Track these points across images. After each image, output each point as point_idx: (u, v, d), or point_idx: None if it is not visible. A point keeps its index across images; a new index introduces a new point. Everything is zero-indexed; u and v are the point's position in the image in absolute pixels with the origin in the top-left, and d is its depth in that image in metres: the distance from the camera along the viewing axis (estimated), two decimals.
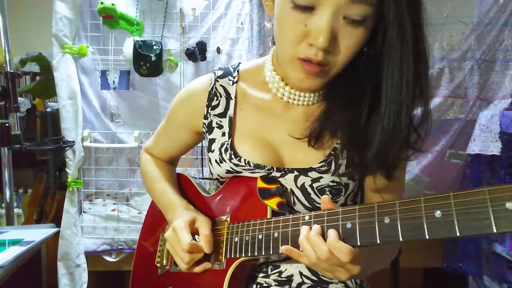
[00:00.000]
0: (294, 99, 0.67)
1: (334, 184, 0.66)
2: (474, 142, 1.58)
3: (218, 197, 0.74)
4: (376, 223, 0.48)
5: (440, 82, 1.65)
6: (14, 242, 0.92)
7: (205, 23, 1.68)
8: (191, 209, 0.73)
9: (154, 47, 1.62)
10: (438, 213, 0.43)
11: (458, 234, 0.41)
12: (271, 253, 0.59)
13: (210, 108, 0.73)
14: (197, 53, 1.64)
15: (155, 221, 0.87)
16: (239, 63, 0.77)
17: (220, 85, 0.74)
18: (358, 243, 0.49)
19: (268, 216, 0.63)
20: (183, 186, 0.86)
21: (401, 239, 0.46)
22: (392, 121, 0.56)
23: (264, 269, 0.71)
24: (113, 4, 1.57)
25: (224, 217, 0.70)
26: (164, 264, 0.78)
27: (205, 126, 0.75)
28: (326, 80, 0.60)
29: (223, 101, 0.73)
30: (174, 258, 0.68)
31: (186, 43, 1.67)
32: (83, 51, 1.64)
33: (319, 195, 0.66)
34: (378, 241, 0.47)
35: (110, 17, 1.60)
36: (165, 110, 1.74)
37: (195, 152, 1.71)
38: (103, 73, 1.70)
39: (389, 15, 0.53)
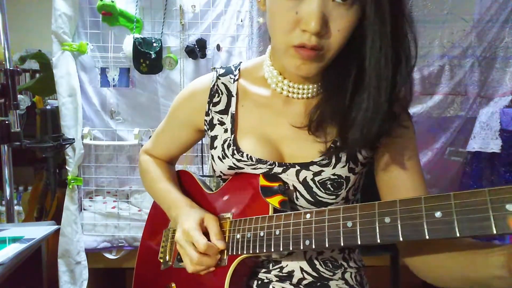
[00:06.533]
0: (293, 93, 0.69)
1: (335, 177, 0.66)
2: (474, 140, 1.58)
3: (221, 194, 0.75)
4: (377, 223, 0.48)
5: (440, 80, 1.65)
6: (15, 240, 0.92)
7: (205, 20, 1.68)
8: (195, 207, 0.73)
9: (154, 44, 1.62)
10: (438, 214, 0.43)
11: (458, 235, 0.41)
12: (272, 250, 0.59)
13: (211, 105, 0.75)
14: (197, 50, 1.64)
15: (158, 218, 0.87)
16: (240, 62, 0.78)
17: (222, 82, 0.75)
18: (359, 243, 0.49)
19: (270, 214, 0.63)
20: (185, 182, 0.86)
21: (401, 239, 0.46)
22: (372, 97, 0.58)
23: (266, 265, 0.72)
24: (112, 1, 1.57)
25: (226, 214, 0.70)
26: (167, 259, 0.79)
27: (206, 123, 0.76)
28: (323, 64, 0.60)
29: (224, 98, 0.74)
30: (184, 259, 0.67)
31: (186, 40, 1.67)
32: (83, 48, 1.64)
33: (321, 189, 0.67)
34: (379, 241, 0.47)
35: (110, 14, 1.59)
36: (165, 108, 1.74)
37: (195, 149, 1.71)
38: (103, 71, 1.69)
39: None
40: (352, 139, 0.62)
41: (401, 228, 0.46)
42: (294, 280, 0.70)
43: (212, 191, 0.79)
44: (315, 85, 0.68)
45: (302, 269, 0.70)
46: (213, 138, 0.74)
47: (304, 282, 0.70)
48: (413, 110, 1.64)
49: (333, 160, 0.66)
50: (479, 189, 0.41)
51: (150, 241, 0.87)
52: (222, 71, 0.77)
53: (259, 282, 0.71)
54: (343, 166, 0.66)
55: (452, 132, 1.65)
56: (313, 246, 0.54)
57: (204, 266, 0.64)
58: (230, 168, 0.71)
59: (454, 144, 1.67)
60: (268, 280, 0.71)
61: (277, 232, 0.59)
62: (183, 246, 0.66)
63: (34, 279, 1.05)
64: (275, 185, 0.66)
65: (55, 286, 1.66)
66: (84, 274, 1.70)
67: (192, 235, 0.64)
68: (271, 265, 0.71)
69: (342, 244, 0.51)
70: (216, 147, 0.73)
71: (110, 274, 1.87)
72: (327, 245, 0.53)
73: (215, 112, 0.74)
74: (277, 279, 0.70)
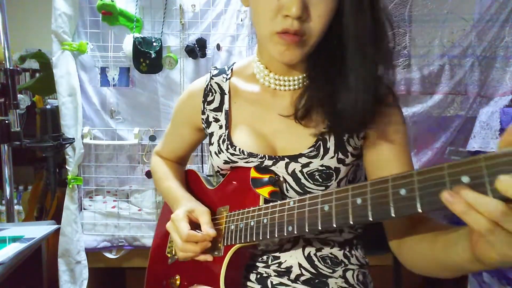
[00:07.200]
0: (280, 85, 0.72)
1: (324, 168, 0.68)
2: (474, 139, 1.57)
3: (220, 189, 0.79)
4: (350, 205, 0.50)
5: (440, 79, 1.65)
6: (15, 239, 0.92)
7: (205, 19, 1.68)
8: (192, 201, 0.77)
9: (154, 44, 1.62)
10: (403, 191, 0.44)
11: (420, 210, 0.42)
12: (260, 238, 0.62)
13: (206, 104, 0.80)
14: (197, 50, 1.64)
15: (167, 216, 0.93)
16: (234, 62, 0.83)
17: (215, 82, 0.80)
18: (334, 225, 0.52)
19: (260, 204, 0.66)
20: (191, 181, 0.91)
21: (370, 219, 0.47)
22: (360, 76, 0.61)
23: (265, 259, 0.73)
24: (112, 1, 1.57)
25: (223, 207, 0.74)
26: (174, 254, 0.81)
27: (203, 122, 0.80)
28: (306, 51, 0.63)
29: (217, 96, 0.79)
30: (174, 246, 0.71)
31: (186, 39, 1.67)
32: (83, 48, 1.64)
33: (309, 180, 0.69)
34: (351, 222, 0.50)
35: (110, 14, 1.59)
36: (165, 107, 1.74)
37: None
38: (103, 70, 1.69)
39: None
40: (342, 122, 0.64)
41: (371, 208, 0.47)
42: (292, 276, 0.71)
43: (214, 186, 0.83)
44: (300, 76, 0.71)
45: (300, 265, 0.71)
46: (211, 135, 0.79)
47: (302, 278, 0.71)
48: (413, 109, 1.64)
49: (321, 152, 0.68)
50: (440, 164, 0.41)
51: (160, 237, 0.91)
52: (215, 72, 0.82)
53: (258, 276, 0.72)
54: (332, 157, 0.68)
55: (452, 131, 1.65)
56: (295, 232, 0.57)
57: (190, 252, 0.68)
58: (226, 162, 0.75)
59: (454, 144, 1.67)
60: (266, 275, 0.72)
61: (265, 221, 0.62)
62: (171, 233, 0.71)
63: (34, 278, 1.06)
64: (266, 176, 0.70)
65: (55, 286, 1.66)
66: (84, 273, 1.70)
67: (177, 225, 0.69)
68: (270, 260, 0.72)
69: (320, 227, 0.53)
70: (213, 143, 0.78)
71: (110, 273, 1.88)
72: (306, 230, 0.55)
73: (210, 110, 0.79)
74: (276, 274, 0.71)
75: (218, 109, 0.78)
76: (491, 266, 0.43)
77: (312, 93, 0.67)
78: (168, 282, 0.80)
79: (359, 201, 0.49)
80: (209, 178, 0.88)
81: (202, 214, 0.71)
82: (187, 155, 0.94)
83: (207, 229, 0.67)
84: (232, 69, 0.81)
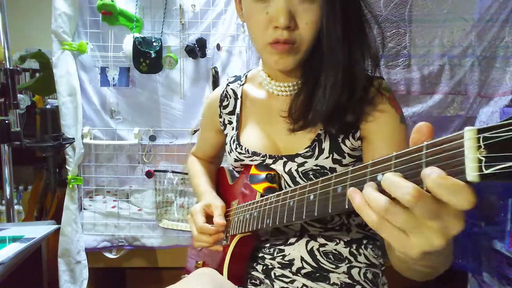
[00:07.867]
0: (281, 91, 0.77)
1: (318, 168, 0.72)
2: None
3: (235, 185, 0.88)
4: (305, 200, 0.53)
5: (440, 79, 1.64)
6: (15, 239, 0.92)
7: (205, 19, 1.68)
8: (212, 196, 0.86)
9: (154, 43, 1.62)
10: (339, 189, 0.45)
11: (346, 206, 0.43)
12: (250, 229, 0.69)
13: (222, 108, 0.88)
14: (197, 49, 1.64)
15: None
16: (250, 70, 0.91)
17: (231, 88, 0.88)
18: (293, 219, 0.56)
19: (256, 199, 0.72)
20: (220, 177, 1.00)
21: (315, 214, 0.50)
22: (327, 77, 0.65)
23: (271, 252, 0.77)
24: (112, 1, 1.57)
25: (235, 201, 0.82)
26: None
27: (221, 124, 0.89)
28: (299, 57, 0.68)
29: (232, 101, 0.87)
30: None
31: (186, 39, 1.67)
32: (83, 48, 1.64)
33: (304, 179, 0.73)
34: (304, 217, 0.53)
35: (110, 14, 1.59)
36: (164, 107, 1.74)
37: None
38: (103, 70, 1.69)
39: None
40: (315, 114, 0.67)
41: (318, 204, 0.49)
42: (294, 269, 0.74)
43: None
44: (297, 81, 0.74)
45: (302, 259, 0.74)
46: (226, 136, 0.88)
47: (303, 271, 0.73)
48: (413, 109, 1.64)
49: (316, 152, 0.71)
50: (368, 161, 0.41)
51: None
52: (232, 79, 0.90)
53: (264, 267, 0.77)
54: (326, 158, 0.71)
55: (452, 131, 1.64)
56: (270, 224, 0.62)
57: (203, 242, 0.76)
58: (235, 160, 0.82)
59: None
60: (271, 266, 0.76)
61: (255, 214, 0.68)
62: (190, 225, 0.80)
63: (34, 278, 1.06)
64: (263, 173, 0.76)
65: (55, 286, 1.66)
66: (84, 273, 1.70)
67: (194, 217, 0.78)
68: (276, 252, 0.76)
69: (285, 221, 0.58)
70: (227, 143, 0.86)
71: (110, 273, 1.88)
72: (277, 223, 0.60)
73: (225, 113, 0.88)
74: (279, 266, 0.75)
75: (232, 112, 0.86)
76: (421, 264, 0.41)
77: (304, 96, 0.71)
78: (195, 266, 0.90)
79: (311, 197, 0.51)
80: (235, 173, 0.94)
81: (216, 208, 0.78)
82: (217, 155, 1.02)
83: (218, 221, 0.75)
84: (246, 76, 0.88)
